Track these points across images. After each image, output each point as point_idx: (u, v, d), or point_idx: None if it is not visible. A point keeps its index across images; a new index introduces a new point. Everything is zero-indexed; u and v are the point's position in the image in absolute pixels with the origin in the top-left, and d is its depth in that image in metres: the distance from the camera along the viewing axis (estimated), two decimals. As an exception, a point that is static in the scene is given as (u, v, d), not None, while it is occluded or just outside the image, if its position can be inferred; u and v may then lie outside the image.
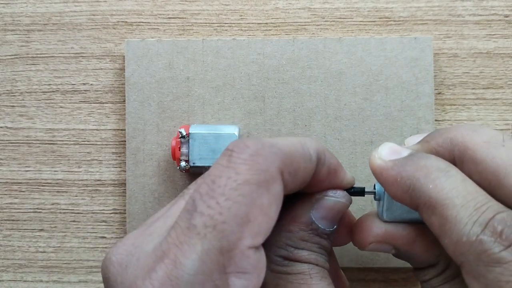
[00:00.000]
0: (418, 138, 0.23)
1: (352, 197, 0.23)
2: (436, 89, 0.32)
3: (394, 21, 0.32)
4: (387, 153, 0.21)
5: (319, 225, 0.21)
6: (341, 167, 0.22)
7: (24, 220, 0.33)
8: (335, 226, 0.22)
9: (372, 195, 0.24)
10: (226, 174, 0.17)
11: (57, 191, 0.33)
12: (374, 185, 0.23)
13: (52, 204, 0.33)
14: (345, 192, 0.22)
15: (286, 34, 0.33)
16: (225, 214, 0.17)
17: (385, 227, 0.22)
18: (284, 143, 0.19)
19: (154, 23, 0.33)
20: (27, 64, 0.33)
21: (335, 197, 0.22)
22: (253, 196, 0.17)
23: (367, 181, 0.30)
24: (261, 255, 0.18)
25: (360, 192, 0.23)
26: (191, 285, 0.16)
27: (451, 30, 0.32)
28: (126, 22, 0.33)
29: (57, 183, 0.33)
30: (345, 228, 0.24)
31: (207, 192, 0.17)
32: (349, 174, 0.23)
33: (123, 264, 0.18)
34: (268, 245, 0.20)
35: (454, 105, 0.32)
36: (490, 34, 0.32)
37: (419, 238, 0.22)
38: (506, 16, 0.32)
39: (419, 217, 0.21)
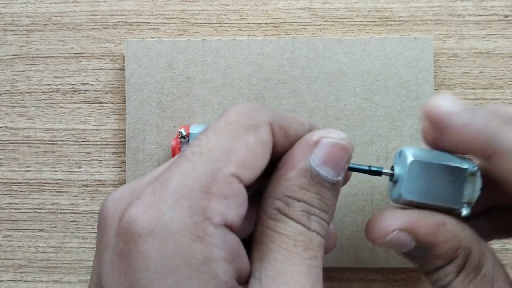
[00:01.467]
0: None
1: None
2: (436, 89, 0.32)
3: (394, 21, 0.32)
4: (450, 100, 0.21)
5: (320, 171, 0.20)
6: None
7: (24, 220, 0.33)
8: (340, 178, 0.20)
9: (389, 177, 0.23)
10: (219, 119, 0.19)
11: (57, 191, 0.33)
12: (392, 167, 0.23)
13: (52, 204, 0.33)
14: (345, 136, 0.20)
15: (286, 34, 0.33)
16: (212, 143, 0.18)
17: (409, 214, 0.22)
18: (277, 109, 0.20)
19: (154, 23, 0.33)
20: (27, 64, 0.33)
21: (334, 138, 0.20)
22: (239, 133, 0.19)
23: (367, 181, 0.30)
24: (244, 190, 0.18)
25: (377, 172, 0.23)
26: (172, 199, 0.17)
27: (451, 30, 0.32)
28: (126, 22, 0.33)
29: (57, 183, 0.33)
30: None
31: (200, 134, 0.19)
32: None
33: (116, 199, 0.20)
34: (265, 197, 0.20)
35: (454, 105, 0.32)
36: (490, 34, 0.32)
37: (441, 228, 0.21)
38: (506, 16, 0.32)
39: (435, 201, 0.21)
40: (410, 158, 0.22)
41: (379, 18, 0.32)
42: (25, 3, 0.33)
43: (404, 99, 0.31)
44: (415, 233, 0.21)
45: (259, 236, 0.19)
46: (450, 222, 0.21)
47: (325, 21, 0.33)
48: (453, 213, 0.22)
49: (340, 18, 0.33)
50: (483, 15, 0.32)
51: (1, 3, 0.34)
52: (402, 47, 0.31)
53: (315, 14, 0.33)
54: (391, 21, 0.32)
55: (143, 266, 0.17)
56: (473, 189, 0.22)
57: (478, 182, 0.22)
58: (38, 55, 0.33)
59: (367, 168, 0.22)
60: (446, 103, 0.21)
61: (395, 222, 0.21)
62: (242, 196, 0.18)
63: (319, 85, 0.31)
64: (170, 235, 0.17)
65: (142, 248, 0.17)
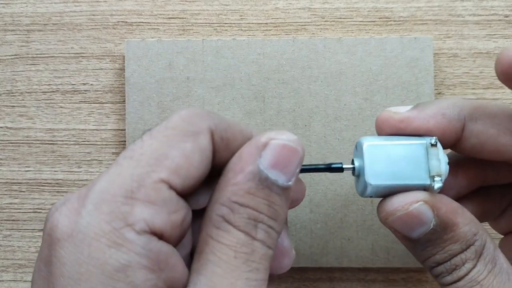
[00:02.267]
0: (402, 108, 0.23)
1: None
2: (436, 89, 0.32)
3: (394, 21, 0.32)
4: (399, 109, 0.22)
5: (269, 175, 0.18)
6: None
7: (24, 220, 0.33)
8: (290, 182, 0.19)
9: (351, 172, 0.22)
10: (160, 124, 0.19)
11: (57, 191, 0.33)
12: (352, 160, 0.22)
13: (52, 204, 0.33)
14: (295, 137, 0.19)
15: (286, 34, 0.33)
16: (145, 148, 0.18)
17: (429, 193, 0.21)
18: (226, 117, 0.20)
19: (154, 23, 0.33)
20: (27, 64, 0.33)
21: (283, 140, 0.19)
22: (176, 139, 0.18)
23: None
24: (176, 198, 0.18)
25: (338, 168, 0.22)
26: (93, 203, 0.17)
27: (451, 30, 0.32)
28: (126, 22, 0.33)
29: (57, 183, 0.33)
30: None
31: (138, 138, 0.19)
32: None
33: (57, 205, 0.19)
34: (211, 203, 0.19)
35: (454, 105, 0.32)
36: (490, 34, 0.32)
37: (461, 210, 0.21)
38: (506, 16, 0.32)
39: (404, 181, 0.21)
40: (364, 144, 0.21)
41: (379, 18, 0.32)
42: (25, 3, 0.33)
43: (404, 99, 0.31)
44: (438, 209, 0.21)
45: (201, 245, 0.18)
46: (465, 209, 0.21)
47: (325, 21, 0.33)
48: (426, 190, 0.21)
49: (340, 18, 0.33)
50: (483, 15, 0.32)
51: (1, 3, 0.34)
52: (402, 47, 0.31)
53: (315, 14, 0.33)
54: (391, 21, 0.32)
55: (59, 272, 0.17)
56: (438, 161, 0.21)
57: (442, 154, 0.21)
58: (38, 55, 0.33)
59: (326, 166, 0.22)
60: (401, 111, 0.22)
61: (418, 195, 0.21)
62: (174, 203, 0.18)
63: (319, 85, 0.31)
64: (85, 240, 0.16)
65: (59, 254, 0.17)
